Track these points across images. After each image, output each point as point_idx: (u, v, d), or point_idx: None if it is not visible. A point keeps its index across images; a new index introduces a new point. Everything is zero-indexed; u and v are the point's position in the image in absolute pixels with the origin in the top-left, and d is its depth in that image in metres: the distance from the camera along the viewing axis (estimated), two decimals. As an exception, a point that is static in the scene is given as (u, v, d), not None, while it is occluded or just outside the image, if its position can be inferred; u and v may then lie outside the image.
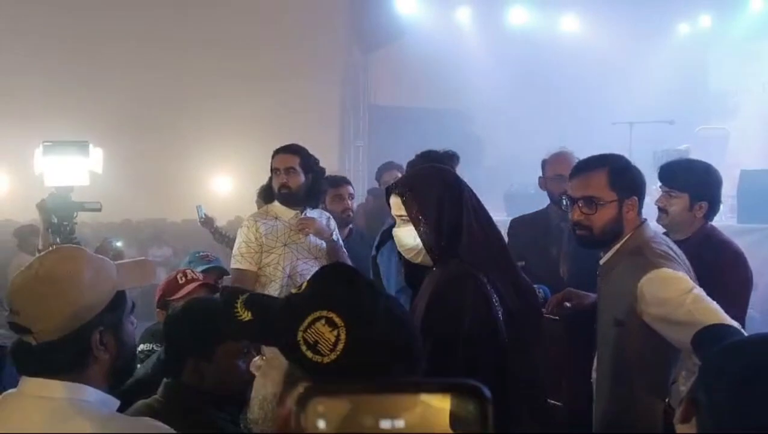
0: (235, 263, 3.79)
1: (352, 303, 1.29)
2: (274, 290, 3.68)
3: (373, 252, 3.61)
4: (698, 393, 1.25)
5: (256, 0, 11.46)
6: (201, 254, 3.58)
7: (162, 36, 10.99)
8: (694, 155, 7.47)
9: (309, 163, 3.84)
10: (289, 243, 3.78)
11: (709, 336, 2.11)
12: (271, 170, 3.84)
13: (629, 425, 2.47)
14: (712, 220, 3.18)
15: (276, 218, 3.83)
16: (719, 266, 2.93)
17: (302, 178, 3.80)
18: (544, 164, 3.98)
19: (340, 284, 1.33)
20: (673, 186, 3.13)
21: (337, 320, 1.25)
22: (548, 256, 3.77)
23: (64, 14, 10.71)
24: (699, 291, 2.32)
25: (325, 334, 1.24)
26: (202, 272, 3.28)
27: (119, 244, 7.07)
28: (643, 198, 2.59)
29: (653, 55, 11.15)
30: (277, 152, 3.86)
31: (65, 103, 10.52)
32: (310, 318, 1.25)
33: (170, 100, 10.80)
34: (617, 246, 2.54)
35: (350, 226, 4.57)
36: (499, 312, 2.18)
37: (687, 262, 2.53)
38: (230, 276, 3.73)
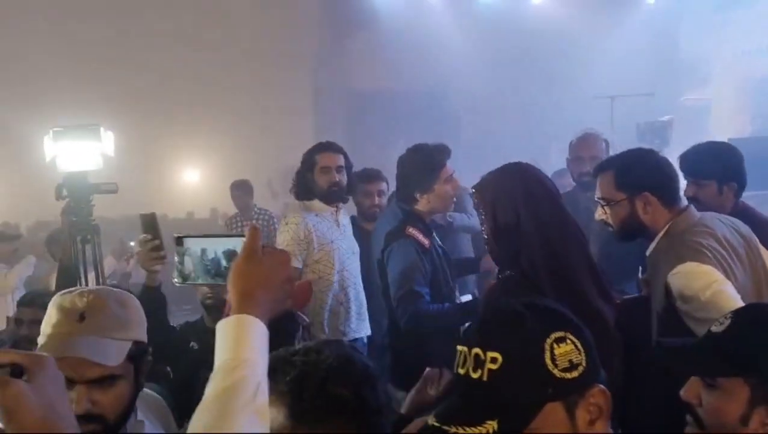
0: None
1: None
2: (325, 286, 3.77)
3: (379, 255, 3.40)
4: None
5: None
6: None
7: (146, 31, 10.76)
8: (678, 126, 7.55)
9: (348, 161, 3.94)
10: (335, 240, 3.86)
11: None
12: (312, 166, 3.85)
13: None
14: (741, 196, 3.22)
15: (317, 215, 3.87)
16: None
17: (345, 177, 3.91)
18: (570, 145, 4.13)
19: None
20: (698, 176, 3.18)
21: None
22: None
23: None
24: (722, 286, 2.25)
25: None
26: None
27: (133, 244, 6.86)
28: (665, 189, 2.51)
29: (622, 27, 11.14)
30: (324, 149, 3.90)
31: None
32: None
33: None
34: (658, 238, 2.50)
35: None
36: None
37: (734, 250, 2.43)
38: None
